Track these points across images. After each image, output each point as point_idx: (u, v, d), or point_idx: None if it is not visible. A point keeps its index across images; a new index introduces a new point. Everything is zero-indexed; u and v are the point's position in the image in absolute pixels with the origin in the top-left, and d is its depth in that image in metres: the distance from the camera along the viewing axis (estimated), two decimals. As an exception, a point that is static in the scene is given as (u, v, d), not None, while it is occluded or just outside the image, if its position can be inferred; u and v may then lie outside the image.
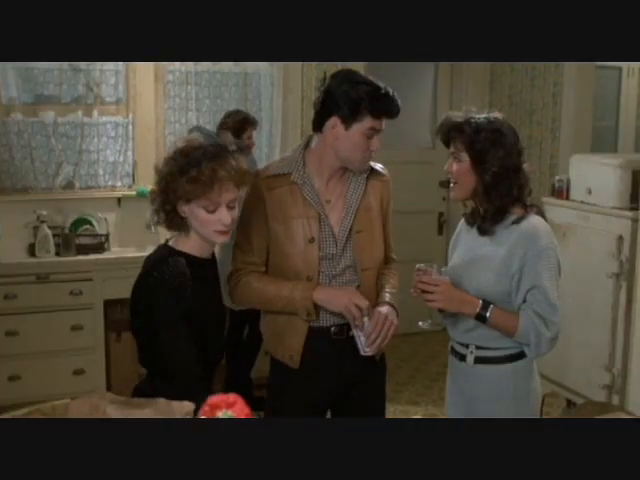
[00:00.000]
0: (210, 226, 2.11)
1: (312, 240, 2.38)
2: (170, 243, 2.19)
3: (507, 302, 2.34)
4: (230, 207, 2.11)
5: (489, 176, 2.31)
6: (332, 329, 2.41)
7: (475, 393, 2.44)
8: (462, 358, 2.46)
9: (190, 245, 2.16)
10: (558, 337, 2.34)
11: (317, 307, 2.35)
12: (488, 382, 2.41)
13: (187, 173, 2.04)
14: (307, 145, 2.45)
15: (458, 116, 2.38)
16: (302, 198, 2.39)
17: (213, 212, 2.09)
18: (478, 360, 2.42)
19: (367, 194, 2.46)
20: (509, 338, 2.35)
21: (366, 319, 2.30)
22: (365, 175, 2.45)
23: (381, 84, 2.33)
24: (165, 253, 2.15)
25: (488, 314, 2.31)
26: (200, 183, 2.04)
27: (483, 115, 2.36)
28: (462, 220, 2.56)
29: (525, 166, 2.38)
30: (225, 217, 2.10)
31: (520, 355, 2.40)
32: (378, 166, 2.53)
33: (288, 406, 2.45)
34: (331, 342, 2.41)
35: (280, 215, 2.39)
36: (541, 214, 2.42)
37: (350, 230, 2.41)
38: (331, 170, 2.41)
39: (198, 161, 2.05)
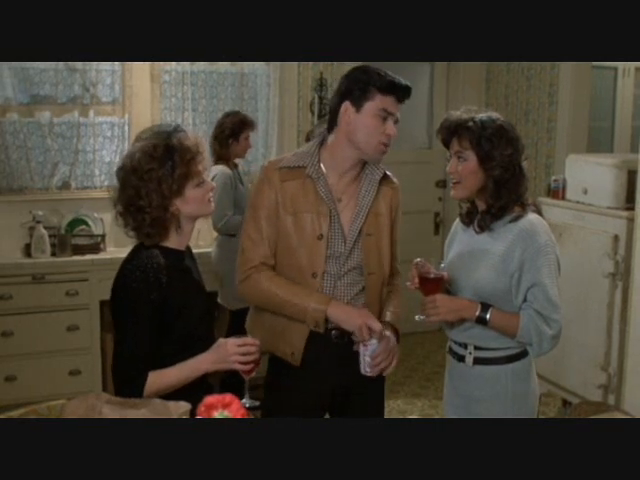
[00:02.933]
0: (204, 199, 2.17)
1: (320, 237, 2.37)
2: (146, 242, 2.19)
3: (506, 300, 2.33)
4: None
5: (498, 173, 2.30)
6: (333, 332, 2.39)
7: (474, 394, 2.43)
8: (461, 359, 2.45)
9: (167, 239, 2.17)
10: (560, 334, 2.34)
11: (327, 320, 2.34)
12: (487, 383, 2.40)
13: (174, 160, 2.08)
14: (323, 142, 2.45)
15: (459, 115, 2.36)
16: (314, 193, 2.38)
17: (202, 184, 2.16)
18: (477, 361, 2.41)
19: (378, 199, 2.45)
20: (511, 339, 2.35)
21: (375, 341, 2.30)
22: (378, 179, 2.44)
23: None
24: (137, 249, 2.17)
25: (488, 316, 2.30)
26: (187, 165, 2.10)
27: (484, 114, 2.35)
28: (457, 220, 2.55)
29: (524, 164, 2.38)
30: (210, 183, 2.20)
31: (519, 356, 2.39)
32: (389, 172, 2.52)
33: (285, 405, 2.44)
34: (331, 345, 2.40)
35: (291, 207, 2.38)
36: (539, 212, 2.42)
37: (360, 232, 2.41)
38: (345, 166, 2.41)
39: (173, 145, 2.10)
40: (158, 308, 2.06)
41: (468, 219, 2.46)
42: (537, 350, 2.35)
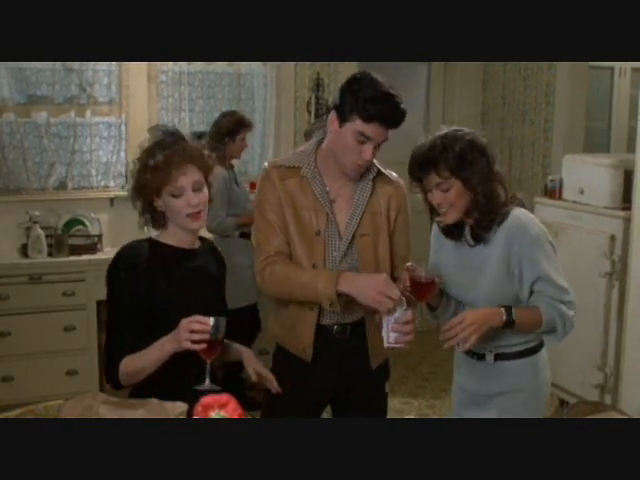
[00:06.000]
0: (181, 211, 2.19)
1: (318, 233, 2.37)
2: (152, 236, 2.30)
3: (517, 301, 2.34)
4: (196, 189, 2.19)
5: (483, 187, 2.28)
6: (335, 327, 2.40)
7: (494, 389, 2.43)
8: (481, 357, 2.44)
9: (169, 236, 2.26)
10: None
11: (340, 296, 2.26)
12: (509, 377, 2.41)
13: (156, 160, 2.17)
14: (321, 141, 2.43)
15: (425, 147, 2.29)
16: (311, 192, 2.38)
17: (180, 197, 2.17)
18: (498, 357, 2.41)
19: (375, 197, 2.43)
20: (537, 333, 2.37)
21: (399, 309, 2.19)
22: (371, 177, 2.42)
23: (394, 92, 2.25)
24: (134, 241, 2.28)
25: (514, 317, 2.28)
26: (159, 171, 2.16)
27: (446, 132, 2.31)
28: (435, 228, 2.55)
29: (498, 167, 2.35)
30: (191, 198, 2.17)
31: (536, 348, 2.43)
32: (393, 174, 2.50)
33: (287, 400, 2.43)
34: (334, 340, 2.40)
35: (291, 204, 2.38)
36: (521, 204, 2.42)
37: (354, 233, 2.40)
38: (337, 170, 2.38)
39: (154, 152, 2.18)
40: (139, 296, 2.14)
41: (457, 233, 2.43)
42: (562, 333, 2.36)
